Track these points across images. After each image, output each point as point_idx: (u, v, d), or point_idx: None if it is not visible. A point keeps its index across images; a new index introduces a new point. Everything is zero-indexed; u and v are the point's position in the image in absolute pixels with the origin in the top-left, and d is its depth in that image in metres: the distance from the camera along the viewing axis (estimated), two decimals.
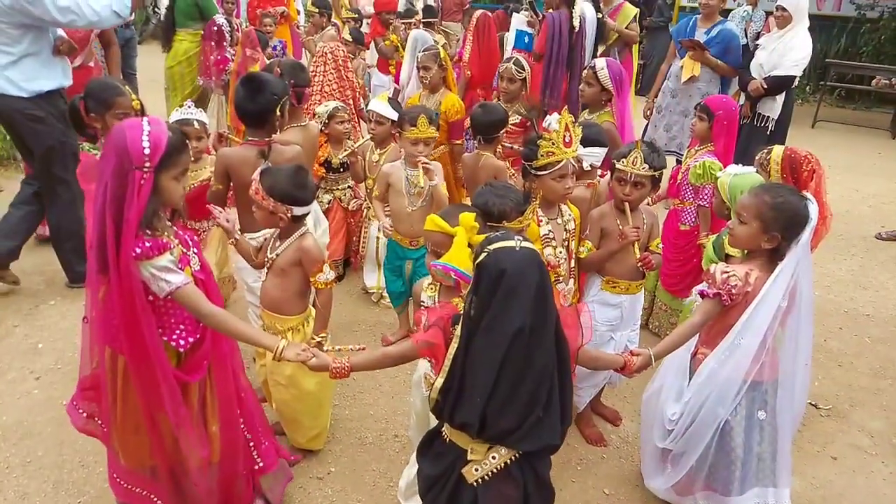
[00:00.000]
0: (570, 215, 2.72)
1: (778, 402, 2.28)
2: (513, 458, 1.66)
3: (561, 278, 2.68)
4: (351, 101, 5.09)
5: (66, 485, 2.59)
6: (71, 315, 3.72)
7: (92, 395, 2.05)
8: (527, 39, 5.71)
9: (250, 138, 2.75)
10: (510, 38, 5.76)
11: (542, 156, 2.52)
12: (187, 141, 2.90)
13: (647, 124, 5.73)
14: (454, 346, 1.63)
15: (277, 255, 2.43)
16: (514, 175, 3.70)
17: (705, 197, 3.46)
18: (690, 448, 2.31)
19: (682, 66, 5.18)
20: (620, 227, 2.66)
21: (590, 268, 2.77)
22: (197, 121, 3.18)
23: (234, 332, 1.96)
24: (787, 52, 4.76)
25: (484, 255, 1.57)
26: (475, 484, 1.67)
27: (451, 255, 1.96)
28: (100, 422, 2.08)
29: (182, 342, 1.93)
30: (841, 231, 5.59)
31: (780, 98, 4.87)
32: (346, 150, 3.70)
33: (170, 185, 1.82)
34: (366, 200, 3.99)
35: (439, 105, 4.21)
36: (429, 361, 1.93)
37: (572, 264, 2.76)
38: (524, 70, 4.23)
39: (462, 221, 1.99)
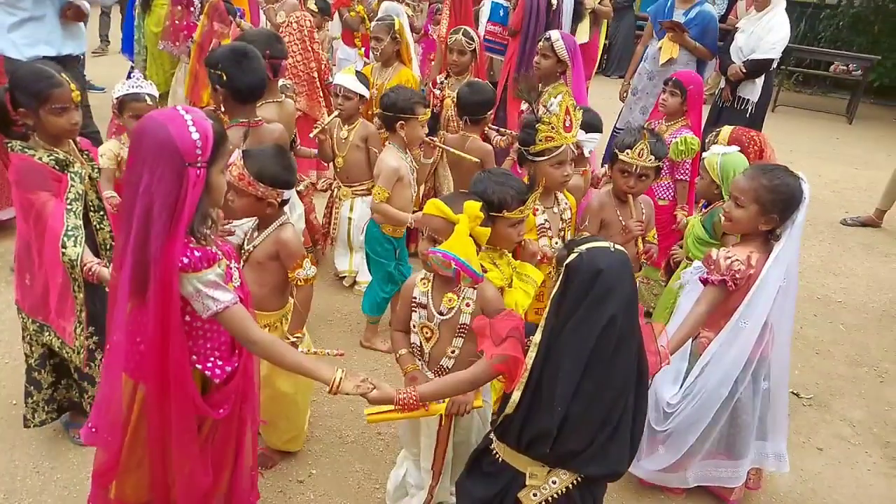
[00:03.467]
0: (566, 204, 2.60)
1: (774, 370, 2.33)
2: (574, 482, 1.59)
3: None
4: (315, 75, 4.85)
5: (19, 493, 2.36)
6: None
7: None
8: (502, 13, 5.54)
9: (240, 119, 2.48)
10: (485, 10, 5.58)
11: (540, 140, 2.38)
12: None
13: (623, 107, 5.65)
14: (532, 354, 1.55)
15: (255, 248, 2.23)
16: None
17: (684, 172, 3.45)
18: (689, 428, 2.30)
19: (660, 48, 5.09)
20: (622, 219, 2.56)
21: None
22: (148, 95, 2.82)
23: (286, 361, 1.71)
24: (764, 34, 4.74)
25: (574, 255, 1.51)
26: None
27: (451, 243, 1.83)
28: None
29: (218, 371, 1.68)
30: (808, 216, 5.57)
31: (760, 81, 4.85)
32: (316, 128, 3.46)
33: (218, 180, 1.58)
34: (335, 180, 3.77)
35: (391, 80, 4.06)
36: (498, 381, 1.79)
37: None
38: (474, 41, 4.13)
39: (467, 210, 1.85)
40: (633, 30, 11.07)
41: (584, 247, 1.52)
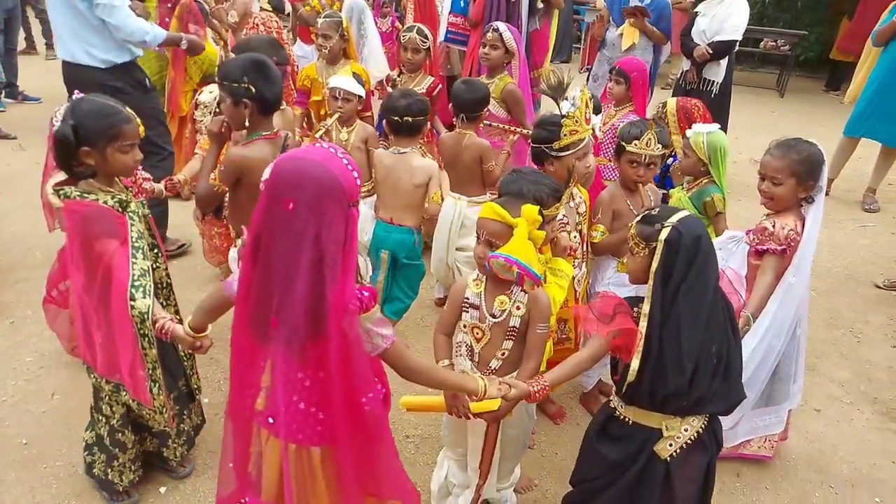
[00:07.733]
0: (581, 198, 2.65)
1: (802, 316, 2.56)
2: (703, 426, 1.78)
3: (576, 263, 2.61)
4: (289, 77, 4.72)
5: None
6: (8, 335, 3.21)
7: None
8: (462, 3, 5.53)
9: (262, 132, 2.39)
10: (446, 1, 5.56)
11: (565, 135, 2.42)
12: None
13: None
14: (643, 324, 1.68)
15: None
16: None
17: None
18: (748, 387, 2.40)
19: (620, 34, 5.22)
20: (632, 209, 2.63)
21: (605, 251, 2.73)
22: None
23: (441, 382, 1.76)
24: (727, 17, 4.94)
25: (668, 229, 1.65)
26: (667, 459, 1.78)
27: (512, 247, 1.84)
28: None
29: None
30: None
31: (724, 62, 5.04)
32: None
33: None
34: None
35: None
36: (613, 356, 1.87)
37: (585, 248, 2.70)
38: (428, 39, 4.14)
39: (525, 214, 1.87)
40: (572, 15, 11.27)
41: (672, 219, 1.66)
